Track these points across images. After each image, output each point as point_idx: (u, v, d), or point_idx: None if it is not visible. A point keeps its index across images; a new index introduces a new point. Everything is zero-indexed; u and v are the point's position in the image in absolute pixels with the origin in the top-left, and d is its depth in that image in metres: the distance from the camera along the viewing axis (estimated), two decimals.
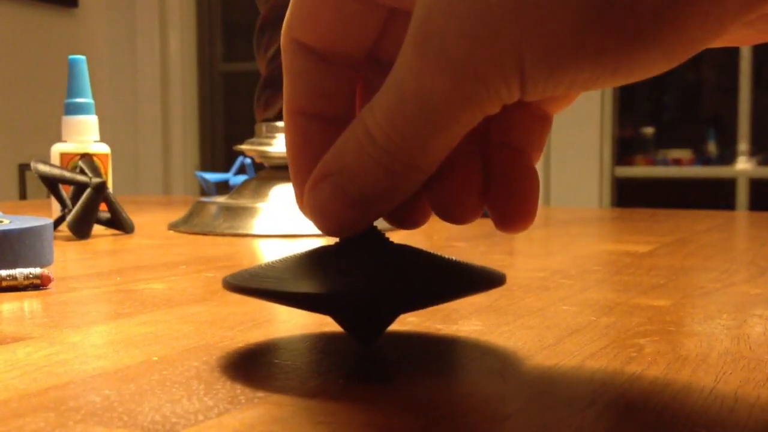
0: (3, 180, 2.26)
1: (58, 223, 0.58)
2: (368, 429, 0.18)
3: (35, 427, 0.18)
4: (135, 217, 0.64)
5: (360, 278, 0.21)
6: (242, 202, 0.63)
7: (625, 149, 2.34)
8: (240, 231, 0.59)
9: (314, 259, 0.22)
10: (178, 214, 0.72)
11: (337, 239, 0.23)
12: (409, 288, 0.21)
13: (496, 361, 0.23)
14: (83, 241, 0.55)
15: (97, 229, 0.59)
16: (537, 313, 0.30)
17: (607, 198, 2.13)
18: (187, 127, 2.53)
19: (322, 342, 0.26)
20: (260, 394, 0.20)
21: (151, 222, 0.70)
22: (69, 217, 0.55)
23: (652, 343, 0.26)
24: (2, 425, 0.18)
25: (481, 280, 0.22)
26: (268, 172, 0.66)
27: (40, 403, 0.19)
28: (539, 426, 0.18)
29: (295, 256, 0.23)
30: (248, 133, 0.67)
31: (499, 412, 0.19)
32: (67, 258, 0.47)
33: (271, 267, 0.22)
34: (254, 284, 0.21)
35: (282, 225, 0.60)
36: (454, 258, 0.23)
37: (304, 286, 0.21)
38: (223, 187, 1.02)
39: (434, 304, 0.23)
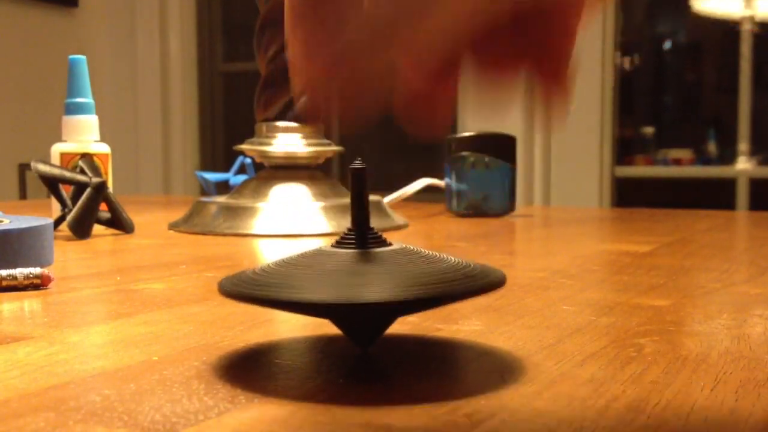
0: (3, 180, 2.26)
1: (58, 222, 0.58)
2: (368, 429, 0.18)
3: (35, 427, 0.18)
4: (135, 217, 0.64)
5: (357, 284, 0.21)
6: (242, 201, 0.63)
7: (625, 149, 2.34)
8: (240, 231, 0.59)
9: (310, 263, 0.22)
10: (178, 214, 0.72)
11: (333, 242, 0.23)
12: (408, 293, 0.21)
13: (496, 361, 0.23)
14: (83, 241, 0.55)
15: (97, 228, 0.59)
16: (537, 313, 0.30)
17: (607, 198, 2.13)
18: (187, 127, 2.53)
19: (321, 342, 0.26)
20: (260, 394, 0.20)
21: (152, 222, 0.70)
22: (69, 217, 0.55)
23: (653, 343, 0.26)
24: (2, 425, 0.18)
25: (481, 282, 0.22)
26: (268, 172, 0.66)
27: (40, 402, 0.19)
28: (539, 426, 0.18)
29: (290, 259, 0.23)
30: (248, 133, 0.67)
31: (498, 412, 0.19)
32: (67, 258, 0.47)
33: (266, 272, 0.22)
34: (251, 291, 0.21)
35: (282, 225, 0.60)
36: (453, 258, 0.23)
37: (301, 294, 0.21)
38: (223, 187, 1.02)
39: (433, 307, 0.23)
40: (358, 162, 0.23)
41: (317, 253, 0.23)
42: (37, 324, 0.28)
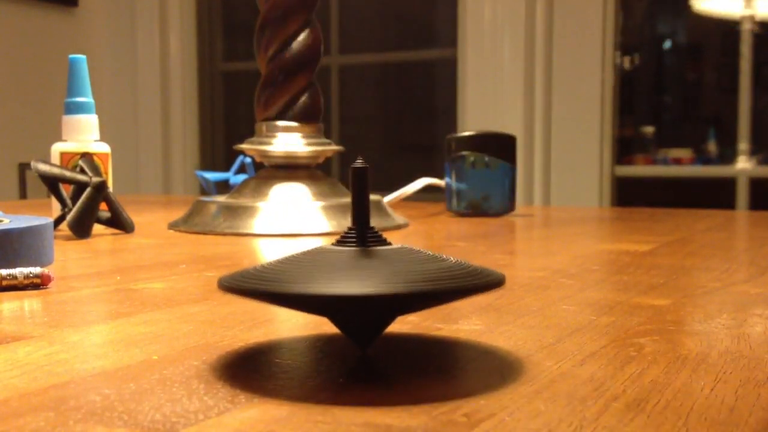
0: (3, 179, 2.26)
1: (58, 222, 0.58)
2: (368, 429, 0.18)
3: (35, 426, 0.18)
4: (135, 216, 0.64)
5: (356, 278, 0.21)
6: (242, 201, 0.63)
7: (625, 148, 2.34)
8: (240, 230, 0.59)
9: (311, 260, 0.22)
10: (178, 213, 0.72)
11: (333, 240, 0.23)
12: (407, 291, 0.21)
13: (496, 361, 0.23)
14: (83, 241, 0.55)
15: (97, 228, 0.59)
16: (537, 313, 0.30)
17: (607, 197, 2.13)
18: (187, 126, 2.53)
19: (321, 342, 0.26)
20: (260, 393, 0.20)
21: (151, 221, 0.70)
22: (69, 217, 0.55)
23: (653, 342, 0.26)
24: (2, 424, 0.18)
25: (480, 281, 0.22)
26: (268, 172, 0.66)
27: (41, 402, 0.19)
28: (539, 425, 0.18)
29: (291, 256, 0.23)
30: (248, 132, 0.67)
31: (498, 411, 0.19)
32: (67, 257, 0.47)
33: (267, 268, 0.22)
34: (250, 285, 0.21)
35: (282, 224, 0.60)
36: (452, 258, 0.23)
37: (301, 289, 0.21)
38: (223, 187, 1.02)
39: (432, 306, 0.23)
40: (359, 161, 0.23)
41: (318, 251, 0.23)
42: (37, 323, 0.28)
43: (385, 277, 0.21)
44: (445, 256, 0.23)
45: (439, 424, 0.18)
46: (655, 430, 0.18)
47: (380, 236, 0.23)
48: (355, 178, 0.23)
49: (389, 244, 0.23)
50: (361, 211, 0.23)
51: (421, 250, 0.23)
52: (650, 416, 0.19)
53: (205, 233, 0.60)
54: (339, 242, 0.23)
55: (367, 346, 0.23)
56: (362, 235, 0.23)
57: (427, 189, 0.83)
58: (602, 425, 0.18)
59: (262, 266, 0.23)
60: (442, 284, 0.21)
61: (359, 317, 0.23)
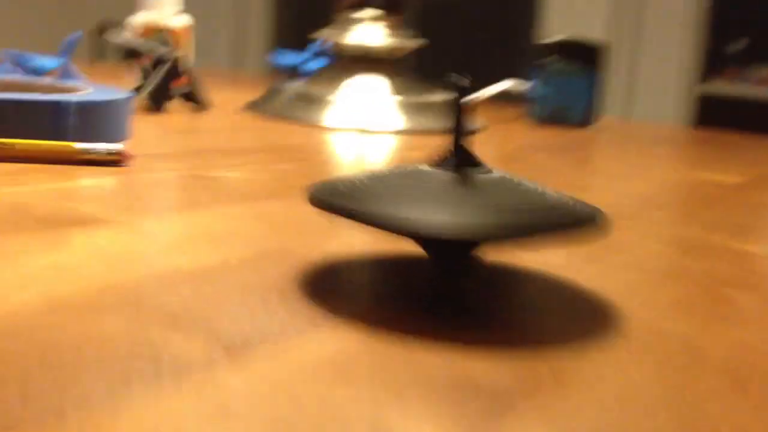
0: (84, 39, 2.28)
1: (134, 94, 0.58)
2: (452, 381, 0.17)
3: (114, 329, 0.17)
4: (209, 93, 0.63)
5: (453, 212, 0.19)
6: (318, 91, 0.61)
7: (711, 64, 2.23)
8: (314, 120, 0.58)
9: (405, 182, 0.21)
10: (250, 92, 0.72)
11: (432, 162, 0.22)
12: (500, 228, 0.19)
13: (585, 308, 0.22)
14: (158, 116, 0.54)
15: (172, 103, 0.59)
16: (626, 251, 0.29)
17: (689, 116, 2.05)
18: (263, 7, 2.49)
19: (403, 264, 0.25)
20: (339, 316, 0.20)
21: (225, 100, 0.69)
22: (146, 89, 0.54)
23: (749, 300, 0.24)
24: (81, 323, 0.18)
25: (575, 221, 0.20)
26: (346, 62, 0.64)
27: (118, 299, 0.19)
28: (628, 390, 0.17)
29: (384, 175, 0.22)
30: (325, 15, 0.65)
31: (588, 371, 0.18)
32: (143, 134, 0.47)
33: (360, 187, 0.21)
34: (345, 204, 0.20)
35: (356, 118, 0.59)
36: (548, 192, 0.22)
37: (398, 220, 0.19)
38: (298, 72, 1.00)
39: (525, 240, 0.22)
40: (461, 77, 0.21)
41: (414, 173, 0.21)
42: (115, 207, 0.28)
43: (481, 210, 0.20)
44: (545, 190, 0.22)
45: (520, 376, 0.17)
46: (744, 394, 0.17)
47: (481, 163, 0.22)
48: (457, 99, 0.21)
49: (490, 171, 0.22)
50: (461, 135, 0.21)
51: (522, 181, 0.22)
52: (737, 381, 0.17)
53: (278, 119, 0.59)
54: (437, 165, 0.22)
55: (452, 275, 0.23)
56: (462, 159, 0.21)
57: (508, 95, 0.80)
58: (692, 393, 0.17)
59: (354, 184, 0.21)
60: (536, 221, 0.20)
61: (449, 248, 0.22)
